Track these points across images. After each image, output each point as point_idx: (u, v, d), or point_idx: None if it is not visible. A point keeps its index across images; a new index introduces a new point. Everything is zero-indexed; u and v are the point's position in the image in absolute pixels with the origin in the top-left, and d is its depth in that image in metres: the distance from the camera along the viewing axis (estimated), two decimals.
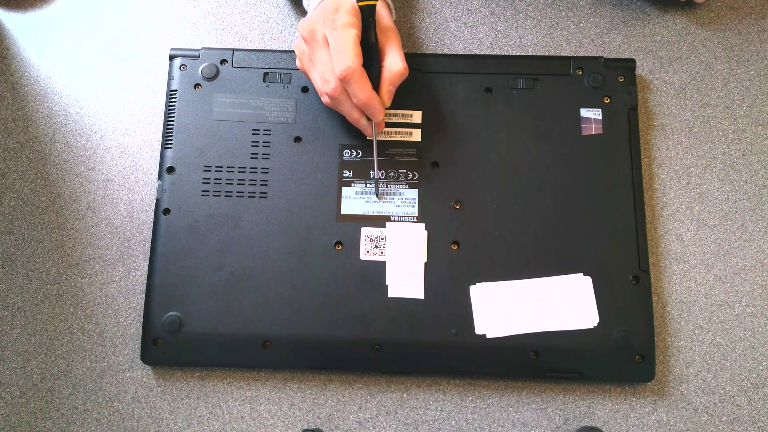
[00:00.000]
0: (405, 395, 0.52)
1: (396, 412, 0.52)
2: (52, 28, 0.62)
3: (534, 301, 0.52)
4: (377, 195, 0.54)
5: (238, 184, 0.55)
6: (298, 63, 0.53)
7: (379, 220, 0.54)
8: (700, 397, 0.52)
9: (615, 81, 0.57)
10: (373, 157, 0.54)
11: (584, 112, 0.56)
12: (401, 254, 0.53)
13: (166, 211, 0.54)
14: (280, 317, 0.52)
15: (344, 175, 0.55)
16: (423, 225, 0.54)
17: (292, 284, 0.52)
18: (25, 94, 0.60)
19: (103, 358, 0.53)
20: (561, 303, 0.52)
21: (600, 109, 0.56)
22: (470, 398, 0.52)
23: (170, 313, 0.52)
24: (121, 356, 0.53)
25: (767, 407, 0.52)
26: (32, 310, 0.54)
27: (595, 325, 0.51)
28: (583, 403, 0.52)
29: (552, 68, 0.57)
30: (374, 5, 0.50)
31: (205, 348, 0.51)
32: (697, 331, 0.53)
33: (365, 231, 0.53)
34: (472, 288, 0.52)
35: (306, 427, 0.51)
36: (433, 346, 0.51)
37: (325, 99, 0.52)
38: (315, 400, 0.52)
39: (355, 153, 0.55)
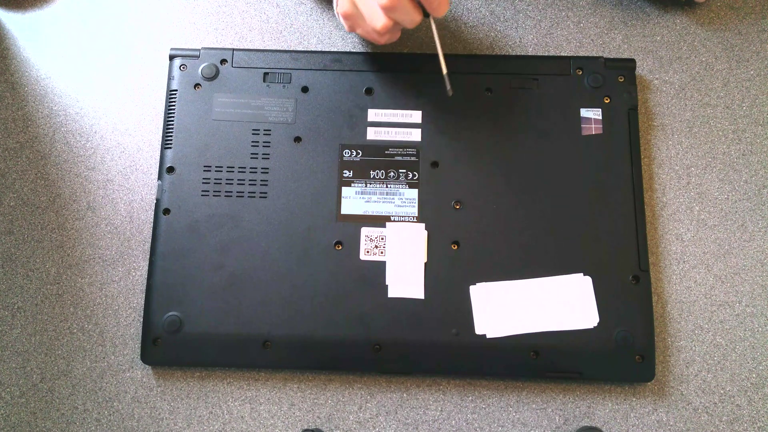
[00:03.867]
0: (405, 395, 0.52)
1: (396, 412, 0.52)
2: (52, 28, 0.62)
3: (534, 301, 0.52)
4: (448, 90, 0.51)
5: (238, 184, 0.55)
6: (345, 25, 0.52)
7: (379, 220, 0.54)
8: (700, 397, 0.52)
9: (615, 81, 0.57)
10: (437, 52, 0.51)
11: (584, 112, 0.56)
12: (401, 254, 0.53)
13: (166, 211, 0.54)
14: (280, 317, 0.52)
15: (344, 175, 0.55)
16: (423, 225, 0.54)
17: (292, 284, 0.52)
18: (25, 94, 0.60)
19: (103, 358, 0.53)
20: (561, 303, 0.52)
21: (600, 109, 0.56)
22: (470, 398, 0.52)
23: (170, 313, 0.52)
24: (121, 356, 0.53)
25: (767, 407, 0.52)
26: (32, 310, 0.54)
27: (595, 325, 0.51)
28: (583, 403, 0.52)
29: (552, 68, 0.57)
30: None
31: (205, 348, 0.51)
32: (697, 331, 0.53)
33: (365, 231, 0.53)
34: (472, 288, 0.52)
35: (306, 427, 0.51)
36: (433, 346, 0.51)
37: (379, 22, 0.48)
38: (315, 400, 0.52)
39: (355, 153, 0.55)
